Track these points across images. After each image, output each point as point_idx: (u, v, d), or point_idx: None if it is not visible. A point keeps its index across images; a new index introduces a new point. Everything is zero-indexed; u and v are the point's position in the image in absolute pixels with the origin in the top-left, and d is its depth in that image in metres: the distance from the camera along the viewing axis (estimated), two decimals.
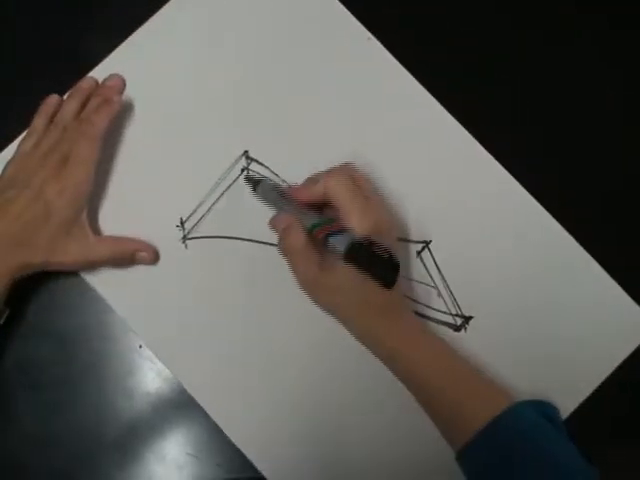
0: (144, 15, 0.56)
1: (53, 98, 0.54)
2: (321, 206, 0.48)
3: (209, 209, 0.54)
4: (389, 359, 0.48)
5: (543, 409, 0.46)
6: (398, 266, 0.43)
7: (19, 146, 0.52)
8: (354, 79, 0.56)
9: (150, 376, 0.52)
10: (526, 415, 0.45)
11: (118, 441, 0.51)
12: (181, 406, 0.52)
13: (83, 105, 0.53)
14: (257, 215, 0.51)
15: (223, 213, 0.54)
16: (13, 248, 0.48)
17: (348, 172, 0.47)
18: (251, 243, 0.53)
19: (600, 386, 0.52)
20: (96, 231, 0.52)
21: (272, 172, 0.54)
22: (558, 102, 0.57)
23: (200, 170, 0.54)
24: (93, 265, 0.51)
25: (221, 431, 0.51)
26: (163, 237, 0.53)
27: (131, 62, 0.56)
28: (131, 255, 0.52)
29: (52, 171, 0.49)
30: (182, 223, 0.53)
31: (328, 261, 0.46)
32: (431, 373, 0.47)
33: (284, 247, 0.47)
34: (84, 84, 0.54)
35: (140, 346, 0.52)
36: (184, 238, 0.54)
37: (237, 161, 0.55)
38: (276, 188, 0.49)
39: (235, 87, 0.56)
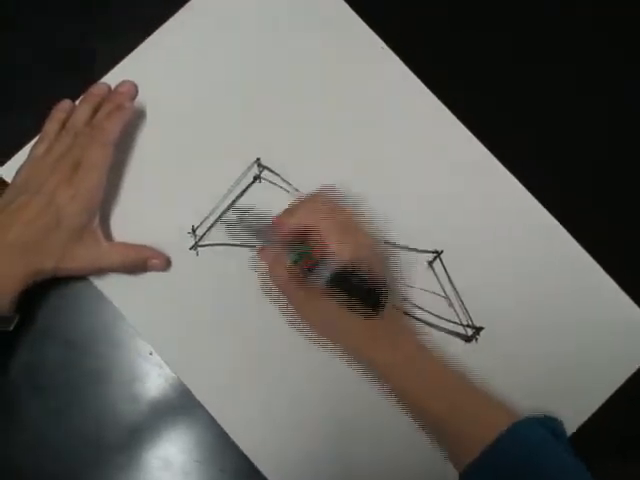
0: (147, 17, 0.56)
1: (65, 103, 0.54)
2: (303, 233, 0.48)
3: (220, 216, 0.54)
4: (385, 381, 0.48)
5: (547, 424, 0.46)
6: (380, 293, 0.43)
7: (31, 151, 0.52)
8: (367, 87, 0.56)
9: (157, 382, 0.52)
10: (529, 433, 0.44)
11: (124, 446, 0.51)
12: (187, 412, 0.51)
13: (95, 111, 0.53)
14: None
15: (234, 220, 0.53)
16: (24, 255, 0.47)
17: (321, 200, 0.48)
18: None
19: (606, 401, 0.52)
20: (108, 237, 0.52)
21: (284, 180, 0.54)
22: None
23: (212, 177, 0.54)
24: (104, 271, 0.51)
25: (226, 437, 0.50)
26: (174, 244, 0.53)
27: (144, 67, 0.56)
28: (143, 262, 0.51)
29: (64, 177, 0.49)
30: (194, 230, 0.53)
31: (313, 291, 0.46)
32: (427, 395, 0.46)
33: (272, 281, 0.48)
34: (96, 90, 0.54)
35: (150, 353, 0.52)
36: (195, 245, 0.53)
37: (249, 168, 0.55)
38: (258, 222, 0.50)
39: (248, 94, 0.56)
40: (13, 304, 0.48)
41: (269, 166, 0.55)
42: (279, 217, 0.48)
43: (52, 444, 0.51)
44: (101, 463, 0.51)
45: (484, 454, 0.43)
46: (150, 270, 0.52)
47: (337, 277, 0.44)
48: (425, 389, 0.46)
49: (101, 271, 0.51)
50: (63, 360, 0.52)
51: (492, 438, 0.43)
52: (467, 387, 0.47)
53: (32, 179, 0.50)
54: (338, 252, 0.45)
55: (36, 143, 0.52)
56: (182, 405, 0.51)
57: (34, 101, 0.54)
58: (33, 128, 0.54)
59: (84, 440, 0.51)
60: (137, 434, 0.51)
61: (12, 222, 0.47)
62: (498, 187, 0.55)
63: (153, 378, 0.52)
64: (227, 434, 0.51)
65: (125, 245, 0.52)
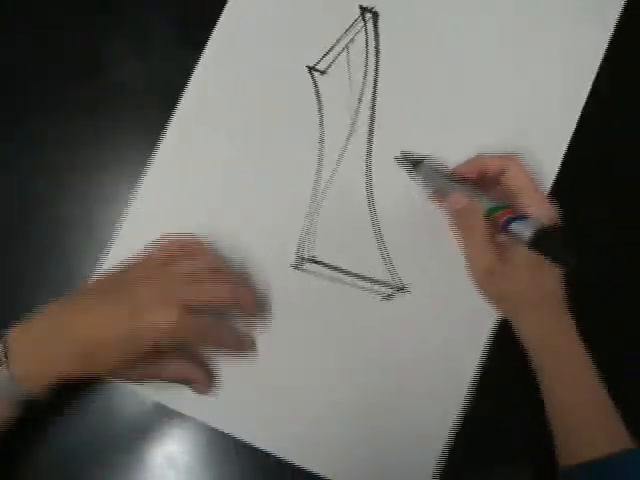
0: (149, 16, 0.54)
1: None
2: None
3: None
4: (546, 354, 0.46)
5: None
6: (576, 255, 0.41)
7: (147, 254, 0.46)
8: None
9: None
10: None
11: (128, 445, 0.49)
12: None
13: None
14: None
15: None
16: (78, 358, 0.42)
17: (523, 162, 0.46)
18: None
19: None
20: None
21: None
22: None
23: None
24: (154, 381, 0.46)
25: (232, 436, 0.49)
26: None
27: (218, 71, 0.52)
28: (188, 382, 0.47)
29: (158, 298, 0.42)
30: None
31: (504, 247, 0.45)
32: (572, 384, 0.45)
33: (464, 228, 0.46)
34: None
35: None
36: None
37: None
38: (439, 168, 0.47)
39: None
40: (45, 390, 0.42)
41: None
42: (469, 162, 0.47)
43: (53, 442, 0.49)
44: (105, 462, 0.49)
45: (594, 462, 0.43)
46: (193, 390, 0.48)
47: (544, 232, 0.42)
48: (576, 372, 0.45)
49: (152, 380, 0.46)
50: None
51: (610, 450, 0.43)
52: (604, 391, 0.45)
53: (129, 276, 0.45)
54: (539, 211, 0.44)
55: (158, 247, 0.46)
56: None
57: (48, 102, 0.53)
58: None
59: (87, 439, 0.49)
60: (142, 433, 0.50)
61: (85, 315, 0.42)
62: None
63: None
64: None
65: (179, 365, 0.46)
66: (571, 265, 0.41)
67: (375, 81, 0.51)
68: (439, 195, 0.48)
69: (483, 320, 0.49)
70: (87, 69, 0.53)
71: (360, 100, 0.51)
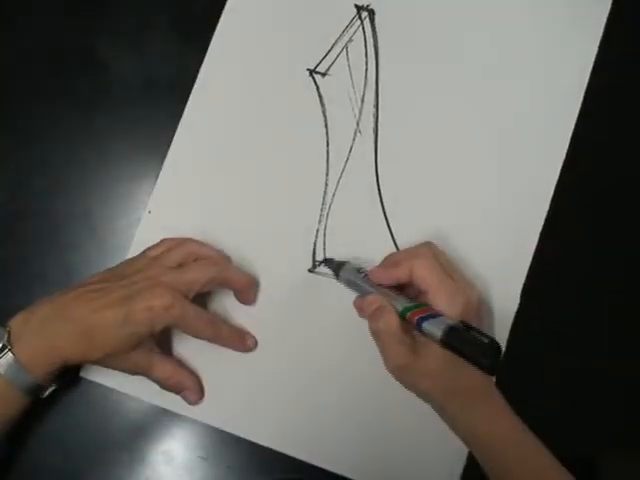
0: (149, 16, 0.54)
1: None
2: (398, 286, 0.46)
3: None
4: (478, 444, 0.46)
5: None
6: (500, 350, 0.41)
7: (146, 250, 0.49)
8: None
9: None
10: None
11: (127, 442, 0.50)
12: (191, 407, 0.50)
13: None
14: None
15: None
16: (78, 337, 0.44)
17: (431, 252, 0.46)
18: None
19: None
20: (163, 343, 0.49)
21: None
22: None
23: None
24: (141, 376, 0.47)
25: (232, 433, 0.49)
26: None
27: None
28: (178, 390, 0.48)
29: (149, 283, 0.45)
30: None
31: (419, 345, 0.45)
32: (513, 456, 0.45)
33: (377, 329, 0.45)
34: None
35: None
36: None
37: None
38: (359, 271, 0.47)
39: None
40: (49, 376, 0.44)
41: None
42: (382, 268, 0.47)
43: (52, 440, 0.50)
44: (103, 459, 0.50)
45: None
46: (183, 398, 0.49)
47: (454, 330, 0.42)
48: (514, 447, 0.45)
49: (139, 375, 0.47)
50: None
51: None
52: (544, 449, 0.45)
53: (126, 270, 0.47)
54: (449, 305, 0.44)
55: (153, 246, 0.49)
56: None
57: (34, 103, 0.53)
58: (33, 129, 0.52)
59: (85, 436, 0.50)
60: (140, 429, 0.50)
61: (84, 303, 0.44)
62: None
63: None
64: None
65: (174, 366, 0.48)
66: (485, 364, 0.40)
67: (377, 79, 0.51)
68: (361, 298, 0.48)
69: (506, 304, 0.50)
70: (86, 67, 0.53)
71: (363, 100, 0.51)
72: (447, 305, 0.44)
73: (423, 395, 0.46)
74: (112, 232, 0.52)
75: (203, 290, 0.47)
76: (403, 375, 0.46)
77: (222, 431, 0.49)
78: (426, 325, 0.43)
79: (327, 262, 0.50)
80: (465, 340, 0.41)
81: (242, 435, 0.49)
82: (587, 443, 0.50)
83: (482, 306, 0.48)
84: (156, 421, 0.50)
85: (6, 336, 0.43)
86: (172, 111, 0.52)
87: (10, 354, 0.43)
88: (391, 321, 0.44)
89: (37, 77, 0.53)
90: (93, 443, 0.50)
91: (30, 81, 0.53)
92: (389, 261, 0.47)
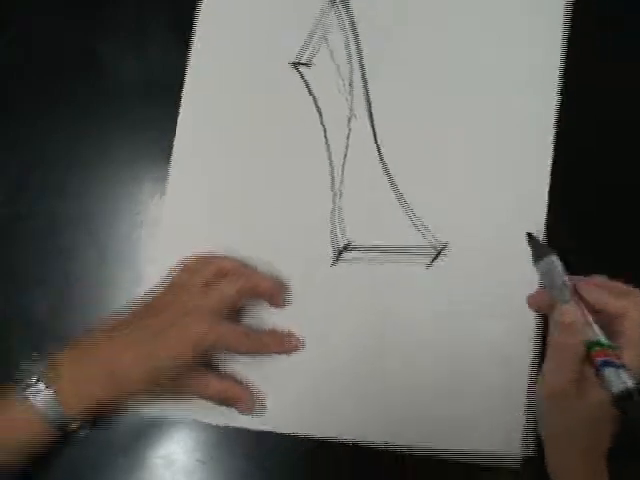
0: (149, 15, 0.54)
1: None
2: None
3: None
4: None
5: None
6: None
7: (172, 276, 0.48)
8: None
9: None
10: None
11: (126, 445, 0.49)
12: None
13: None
14: None
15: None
16: (107, 379, 0.44)
17: None
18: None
19: None
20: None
21: None
22: None
23: None
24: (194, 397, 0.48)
25: (231, 436, 0.49)
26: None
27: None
28: (234, 402, 0.48)
29: (181, 313, 0.45)
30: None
31: (584, 382, 0.41)
32: None
33: (559, 342, 0.43)
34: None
35: None
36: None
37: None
38: (565, 274, 0.44)
39: None
40: (84, 413, 0.45)
41: None
42: (597, 287, 0.43)
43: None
44: (103, 462, 0.50)
45: None
46: (238, 410, 0.48)
47: (634, 393, 0.39)
48: None
49: (190, 397, 0.47)
50: None
51: None
52: None
53: (155, 301, 0.47)
54: (634, 362, 0.40)
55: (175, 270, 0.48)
56: None
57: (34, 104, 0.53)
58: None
59: (85, 439, 0.48)
60: (139, 433, 0.50)
61: (120, 342, 0.45)
62: None
63: None
64: (230, 433, 0.49)
65: (220, 381, 0.48)
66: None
67: (360, 59, 0.51)
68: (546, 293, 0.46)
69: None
70: (86, 69, 0.54)
71: (351, 84, 0.51)
72: (632, 361, 0.41)
73: (553, 432, 0.44)
74: (112, 235, 0.52)
75: (235, 305, 0.47)
76: (551, 398, 0.43)
77: (221, 435, 0.49)
78: (607, 372, 0.40)
79: (532, 241, 0.47)
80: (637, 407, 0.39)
81: (309, 434, 0.48)
82: None
83: None
84: (155, 425, 0.49)
85: (46, 368, 0.44)
86: (172, 112, 0.52)
87: (47, 386, 0.43)
88: (578, 346, 0.41)
89: (37, 79, 0.54)
90: (92, 447, 0.49)
91: (30, 83, 0.54)
92: (610, 285, 0.44)
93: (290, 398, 0.49)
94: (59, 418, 0.43)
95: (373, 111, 0.51)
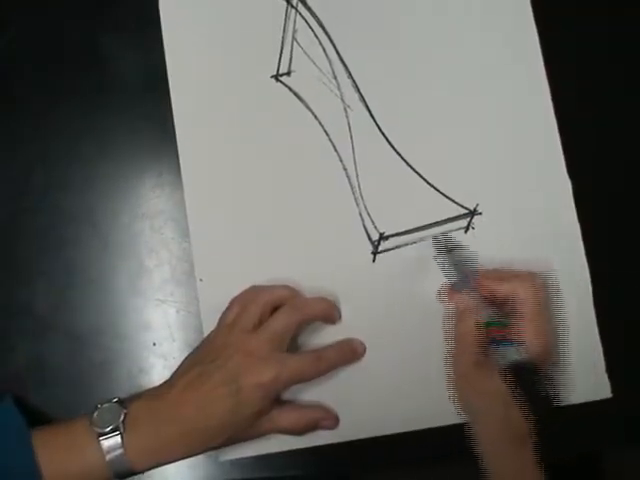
0: (149, 13, 0.53)
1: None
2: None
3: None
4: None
5: None
6: (551, 402, 0.42)
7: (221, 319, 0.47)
8: None
9: (162, 374, 0.50)
10: None
11: None
12: None
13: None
14: None
15: None
16: (189, 438, 0.44)
17: (540, 284, 0.46)
18: None
19: None
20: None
21: None
22: None
23: None
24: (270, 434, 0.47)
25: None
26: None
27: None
28: (314, 424, 0.47)
29: (245, 359, 0.44)
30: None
31: (487, 363, 0.44)
32: None
33: (457, 328, 0.46)
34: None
35: (154, 344, 0.50)
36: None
37: None
38: (464, 264, 0.47)
39: None
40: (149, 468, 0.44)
41: None
42: (490, 273, 0.47)
43: None
44: None
45: None
46: (322, 429, 0.48)
47: (520, 367, 0.42)
48: None
49: (266, 435, 0.47)
50: (67, 353, 0.50)
51: None
52: None
53: (213, 349, 0.46)
54: (532, 341, 0.43)
55: (226, 312, 0.47)
56: None
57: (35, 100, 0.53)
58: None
59: None
60: None
61: (186, 401, 0.43)
62: None
63: (158, 370, 0.50)
64: None
65: (295, 410, 0.47)
66: (541, 415, 0.41)
67: (338, 53, 0.51)
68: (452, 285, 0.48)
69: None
70: (88, 64, 0.53)
71: (335, 77, 0.51)
72: (530, 340, 0.44)
73: (469, 414, 0.45)
74: (114, 229, 0.51)
75: (293, 335, 0.46)
76: (459, 384, 0.45)
77: None
78: (499, 348, 0.44)
79: (437, 240, 0.49)
80: (526, 382, 0.42)
81: (384, 433, 0.48)
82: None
83: (553, 358, 0.47)
84: None
85: (123, 418, 0.42)
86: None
87: (120, 440, 0.42)
88: (469, 329, 0.45)
89: (38, 78, 0.53)
90: None
91: (32, 78, 0.54)
92: (496, 273, 0.47)
93: (360, 403, 0.49)
94: (125, 472, 0.43)
95: (365, 97, 0.51)
